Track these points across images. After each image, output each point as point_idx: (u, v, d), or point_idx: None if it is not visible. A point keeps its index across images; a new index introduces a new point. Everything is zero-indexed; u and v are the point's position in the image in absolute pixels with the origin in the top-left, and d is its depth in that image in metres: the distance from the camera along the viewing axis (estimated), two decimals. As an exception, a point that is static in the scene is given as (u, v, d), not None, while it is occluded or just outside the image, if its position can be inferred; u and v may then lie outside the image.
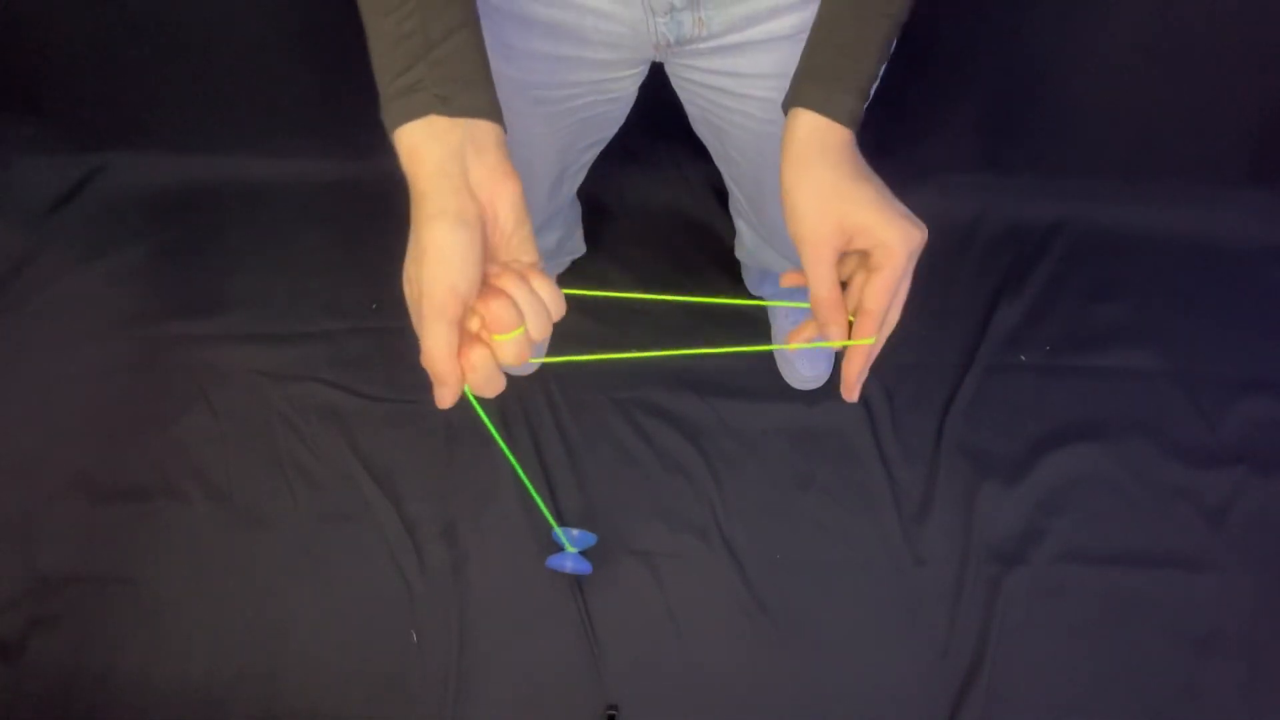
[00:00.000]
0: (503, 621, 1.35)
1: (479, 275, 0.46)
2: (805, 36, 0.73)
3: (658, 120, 0.96)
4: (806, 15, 0.70)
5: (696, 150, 1.02)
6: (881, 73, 0.56)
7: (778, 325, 1.49)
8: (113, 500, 1.42)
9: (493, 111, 0.49)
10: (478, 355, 0.47)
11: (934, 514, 1.40)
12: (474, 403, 0.51)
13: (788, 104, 0.55)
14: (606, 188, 1.60)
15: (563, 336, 1.52)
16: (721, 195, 1.50)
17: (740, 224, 1.25)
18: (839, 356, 1.54)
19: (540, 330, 0.48)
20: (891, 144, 1.20)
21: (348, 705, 1.31)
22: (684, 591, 1.36)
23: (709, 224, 1.60)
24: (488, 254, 0.48)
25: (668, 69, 0.83)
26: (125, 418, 1.48)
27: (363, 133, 1.69)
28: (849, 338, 0.55)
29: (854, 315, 0.55)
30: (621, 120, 0.92)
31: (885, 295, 0.53)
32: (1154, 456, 1.44)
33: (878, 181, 0.54)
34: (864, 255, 0.54)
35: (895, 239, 0.51)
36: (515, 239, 0.49)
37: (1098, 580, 1.37)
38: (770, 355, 1.50)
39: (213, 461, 1.44)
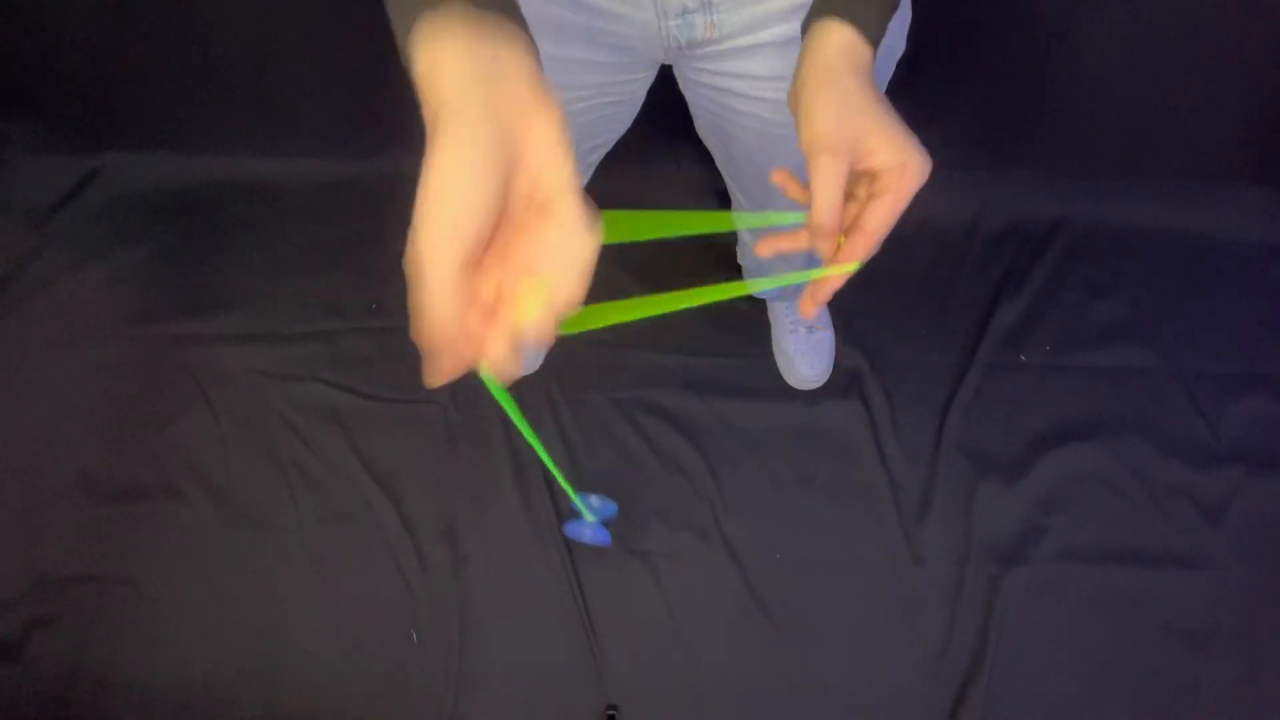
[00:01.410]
0: (503, 621, 1.35)
1: (489, 211, 0.35)
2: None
3: (658, 120, 0.96)
4: None
5: (696, 150, 1.02)
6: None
7: (778, 326, 1.49)
8: (113, 500, 1.42)
9: (526, 38, 0.40)
10: (494, 335, 0.37)
11: (934, 513, 1.40)
12: (491, 386, 0.41)
13: (813, 17, 0.54)
14: (606, 188, 1.59)
15: (564, 335, 1.52)
16: (722, 195, 1.50)
17: (742, 231, 1.25)
18: (839, 355, 1.54)
19: (571, 291, 0.37)
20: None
21: (348, 705, 1.31)
22: (684, 591, 1.36)
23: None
24: (507, 192, 0.36)
25: (676, 71, 0.83)
26: (125, 418, 1.48)
27: (363, 133, 1.70)
28: (834, 259, 0.53)
29: (844, 237, 0.53)
30: (629, 123, 0.92)
31: (889, 218, 0.51)
32: (1153, 455, 1.44)
33: (890, 106, 0.53)
34: (870, 178, 0.52)
35: (912, 163, 0.51)
36: (545, 176, 0.37)
37: (1097, 578, 1.37)
38: (770, 355, 1.50)
39: (213, 461, 1.45)
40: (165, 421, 1.48)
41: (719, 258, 1.56)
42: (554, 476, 1.42)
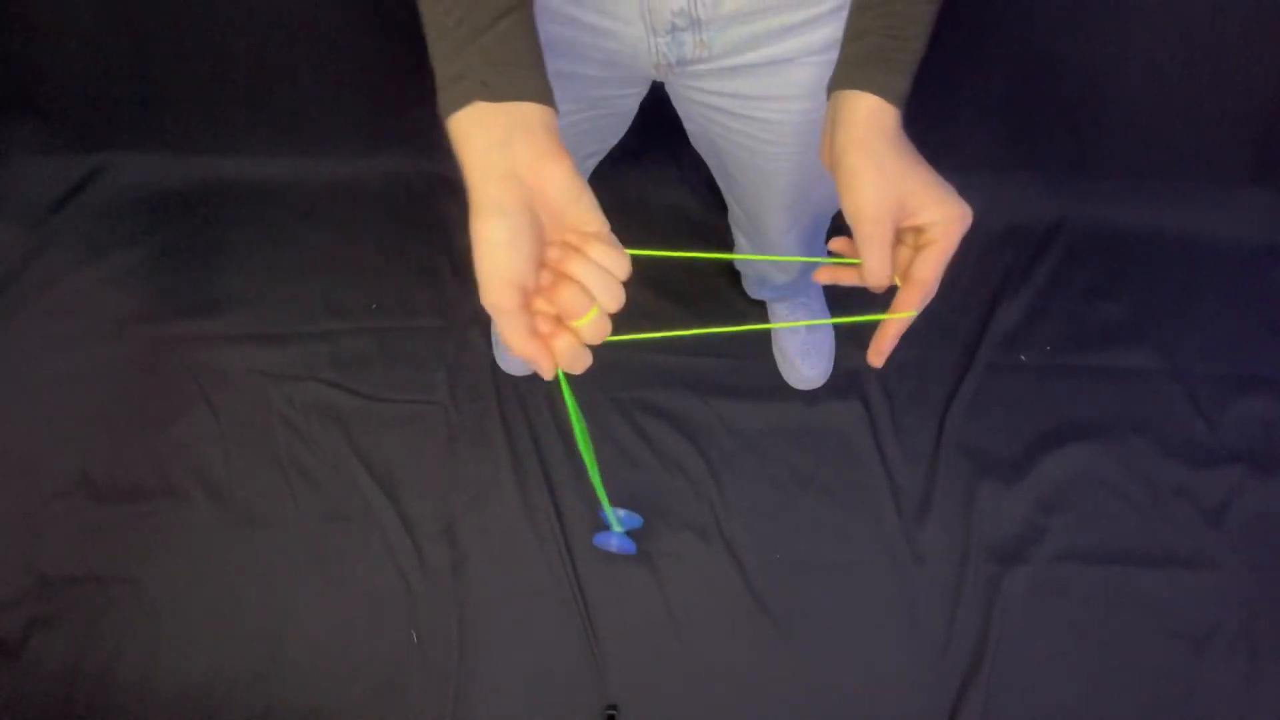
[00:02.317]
0: (503, 621, 1.35)
1: (530, 260, 0.46)
2: (810, 60, 0.72)
3: (658, 120, 0.96)
4: (812, 38, 0.70)
5: (697, 155, 1.02)
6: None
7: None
8: (113, 500, 1.42)
9: (540, 93, 0.49)
10: (563, 342, 0.49)
11: (934, 513, 1.40)
12: (564, 384, 0.55)
13: (838, 86, 0.57)
14: (606, 188, 1.59)
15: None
16: (721, 196, 1.50)
17: (739, 236, 1.25)
18: (839, 355, 1.54)
19: (612, 302, 0.49)
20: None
21: (348, 705, 1.31)
22: (684, 591, 1.36)
23: (709, 224, 1.60)
24: (543, 235, 0.48)
25: (668, 88, 0.83)
26: (125, 418, 1.48)
27: (363, 133, 1.70)
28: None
29: (898, 281, 0.57)
30: (622, 132, 0.92)
31: (938, 268, 0.55)
32: (1153, 456, 1.44)
33: (926, 163, 0.57)
34: (917, 232, 0.56)
35: (954, 216, 0.54)
36: (572, 214, 0.49)
37: (1097, 579, 1.37)
38: (770, 355, 1.50)
39: (213, 461, 1.45)
40: (165, 421, 1.48)
41: (720, 264, 1.56)
42: (552, 477, 1.43)
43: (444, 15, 0.48)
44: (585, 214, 0.49)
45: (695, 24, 0.68)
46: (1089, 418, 1.47)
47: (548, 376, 0.50)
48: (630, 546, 0.68)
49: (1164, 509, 1.41)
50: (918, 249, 0.56)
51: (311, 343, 1.53)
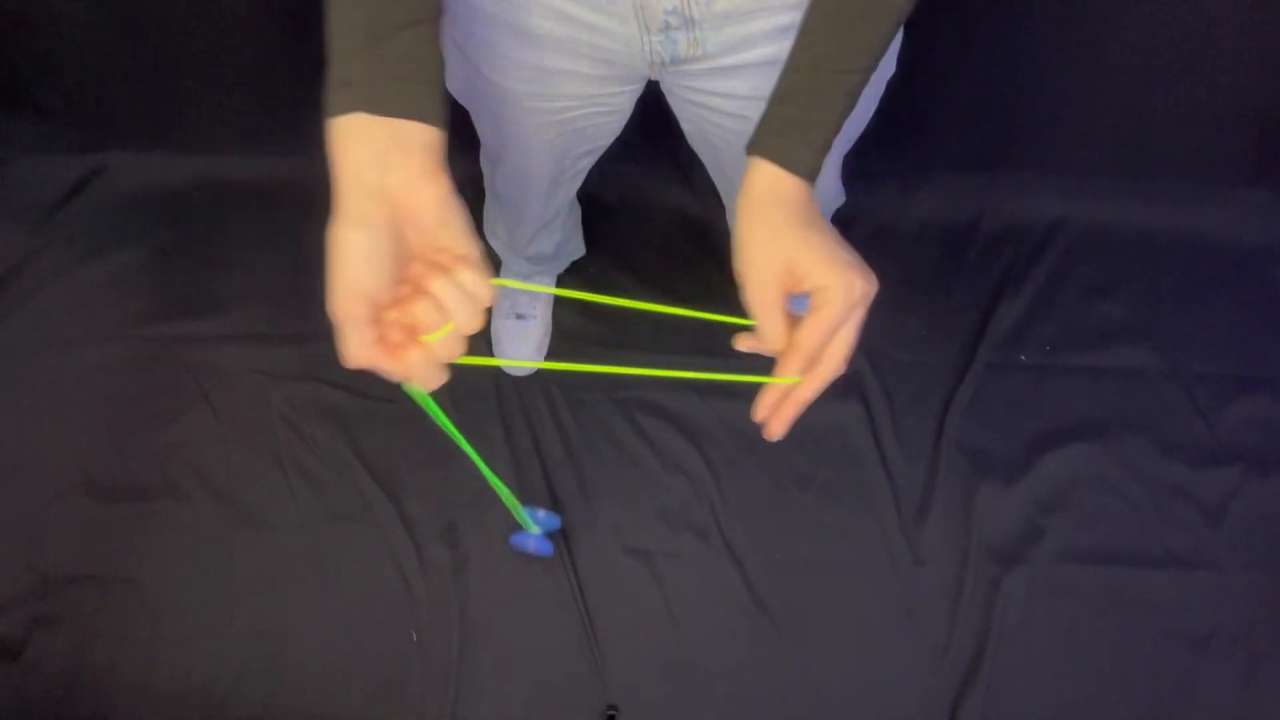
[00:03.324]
0: (503, 621, 1.35)
1: (385, 275, 0.46)
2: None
3: (658, 120, 0.96)
4: None
5: (693, 153, 1.02)
6: (844, 122, 0.58)
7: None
8: (114, 500, 1.42)
9: (428, 112, 0.47)
10: (413, 355, 0.48)
11: (934, 514, 1.40)
12: (422, 398, 0.54)
13: (749, 149, 0.57)
14: (606, 188, 1.60)
15: (564, 336, 1.53)
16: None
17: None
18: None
19: (469, 323, 0.48)
20: (892, 143, 1.20)
21: (348, 705, 1.31)
22: (684, 591, 1.36)
23: (709, 224, 1.60)
24: (408, 253, 0.47)
25: (663, 87, 0.83)
26: (125, 418, 1.48)
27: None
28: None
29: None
30: (619, 131, 0.92)
31: (814, 335, 0.54)
32: (1153, 455, 1.44)
33: (831, 232, 0.56)
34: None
35: (835, 284, 0.53)
36: (442, 236, 0.48)
37: (1097, 579, 1.37)
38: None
39: (213, 461, 1.45)
40: (166, 421, 1.48)
41: (718, 257, 1.56)
42: (552, 477, 1.43)
43: (347, 14, 0.47)
44: (455, 238, 0.48)
45: (688, 23, 0.68)
46: (1089, 418, 1.47)
47: (394, 379, 0.50)
48: (547, 548, 0.69)
49: (1164, 509, 1.41)
50: (808, 315, 0.55)
51: (311, 343, 1.53)
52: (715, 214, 1.61)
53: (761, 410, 0.58)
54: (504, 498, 0.66)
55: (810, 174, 0.56)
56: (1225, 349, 1.52)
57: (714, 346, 1.50)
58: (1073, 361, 1.51)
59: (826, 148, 0.57)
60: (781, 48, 0.70)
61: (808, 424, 1.49)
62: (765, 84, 0.74)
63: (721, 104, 0.79)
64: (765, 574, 1.37)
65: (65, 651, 1.34)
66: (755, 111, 0.78)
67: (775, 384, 0.56)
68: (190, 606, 1.36)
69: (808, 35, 0.57)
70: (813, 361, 0.55)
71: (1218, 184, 1.62)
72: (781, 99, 0.57)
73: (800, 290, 0.55)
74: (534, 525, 0.67)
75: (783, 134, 0.56)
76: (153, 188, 1.67)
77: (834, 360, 0.56)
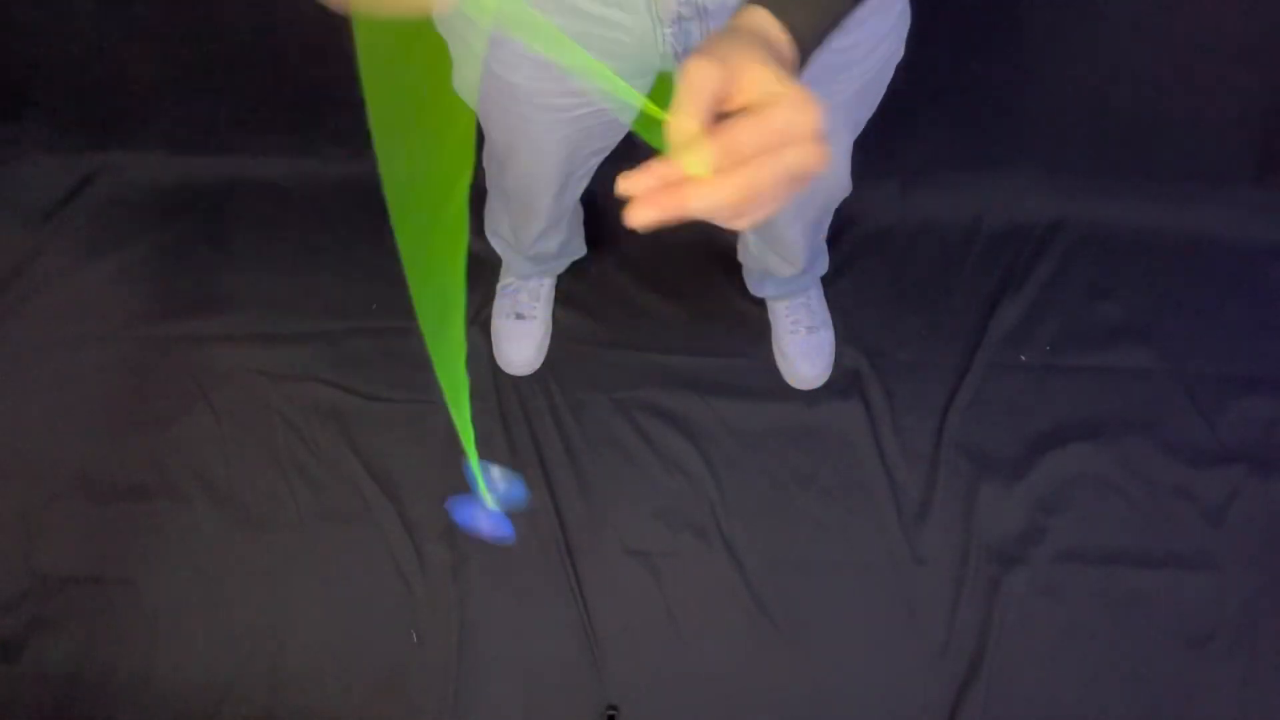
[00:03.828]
0: (503, 621, 1.35)
1: None
2: (817, 51, 0.71)
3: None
4: None
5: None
6: (839, 21, 0.51)
7: (778, 326, 1.49)
8: (113, 500, 1.42)
9: None
10: None
11: (934, 514, 1.40)
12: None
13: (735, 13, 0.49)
14: (607, 188, 1.59)
15: (564, 335, 1.52)
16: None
17: (746, 231, 1.25)
18: (839, 355, 1.54)
19: None
20: (891, 144, 1.20)
21: (348, 705, 1.31)
22: (684, 591, 1.36)
23: (709, 224, 1.60)
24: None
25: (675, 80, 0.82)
26: (125, 418, 1.48)
27: (363, 133, 1.69)
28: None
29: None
30: (628, 127, 0.92)
31: (750, 128, 0.41)
32: (1153, 456, 1.44)
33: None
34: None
35: (790, 94, 0.41)
36: None
37: (1097, 580, 1.37)
38: (770, 355, 1.50)
39: (213, 461, 1.44)
40: (165, 421, 1.48)
41: (718, 257, 1.56)
42: (552, 477, 1.42)
43: None
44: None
45: (701, 14, 0.68)
46: (1089, 418, 1.47)
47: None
48: (506, 531, 0.48)
49: (1164, 509, 1.41)
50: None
51: (311, 343, 1.53)
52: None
53: (640, 180, 0.41)
54: (466, 444, 0.48)
55: (801, 39, 0.47)
56: (1226, 349, 1.52)
57: (714, 346, 1.51)
58: (1073, 361, 1.51)
59: (821, 32, 0.49)
60: None
61: (808, 424, 1.50)
62: None
63: None
64: (765, 574, 1.37)
65: (65, 651, 1.34)
66: None
67: (671, 161, 0.41)
68: (190, 606, 1.36)
69: None
70: (732, 157, 0.40)
71: (1219, 184, 1.62)
72: None
73: (741, 100, 0.42)
74: (488, 493, 0.51)
75: None
76: (153, 188, 1.67)
77: (752, 176, 0.41)
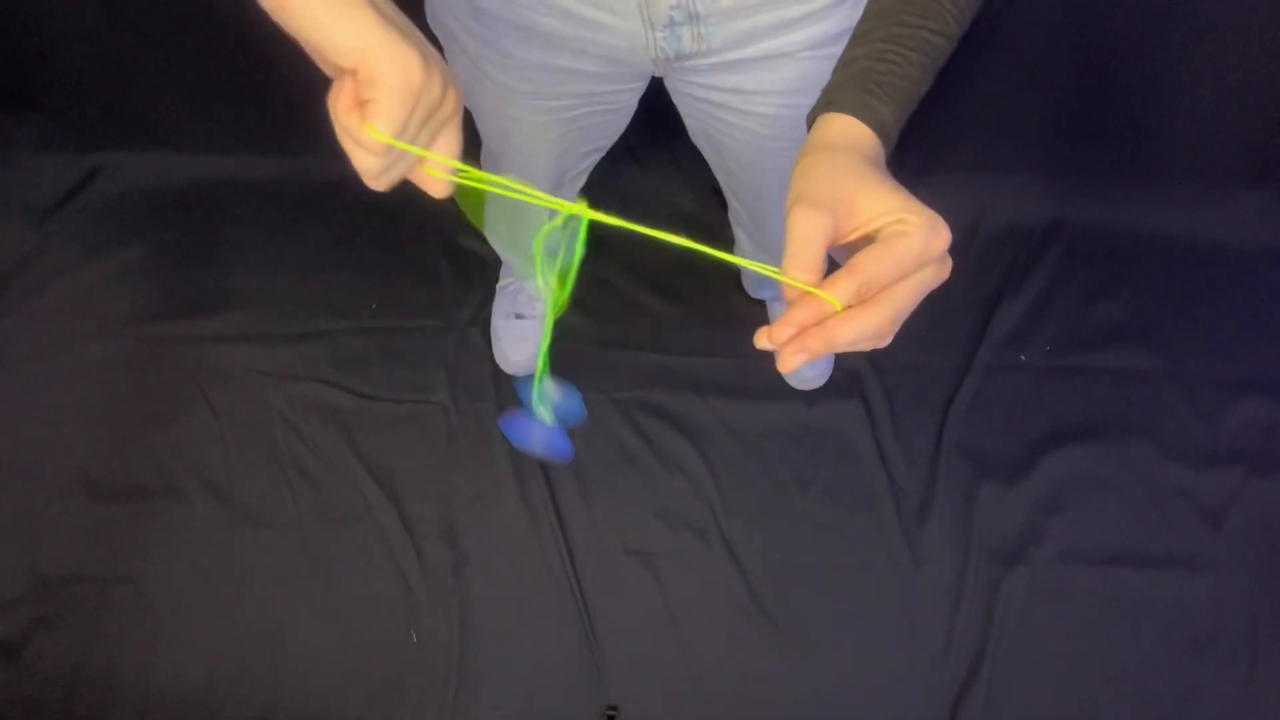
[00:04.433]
0: (503, 621, 1.35)
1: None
2: (808, 54, 0.71)
3: (658, 120, 0.96)
4: (811, 32, 0.70)
5: (697, 150, 1.02)
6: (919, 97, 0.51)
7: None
8: (113, 500, 1.42)
9: None
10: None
11: (934, 514, 1.40)
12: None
13: (814, 115, 0.50)
14: (606, 188, 1.59)
15: (564, 335, 1.52)
16: (720, 194, 1.50)
17: (739, 233, 1.25)
18: (839, 356, 1.54)
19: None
20: (892, 144, 1.20)
21: (347, 705, 1.31)
22: (684, 591, 1.36)
23: (709, 224, 1.60)
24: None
25: (667, 83, 0.82)
26: (125, 418, 1.48)
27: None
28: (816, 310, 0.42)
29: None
30: (622, 129, 0.92)
31: (881, 261, 0.41)
32: (1153, 457, 1.44)
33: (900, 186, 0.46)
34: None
35: (918, 221, 0.42)
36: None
37: (1097, 580, 1.37)
38: (771, 355, 1.50)
39: (213, 461, 1.44)
40: (165, 421, 1.48)
41: (721, 264, 1.55)
42: (552, 477, 1.42)
43: None
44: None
45: (693, 18, 0.68)
46: (1089, 418, 1.47)
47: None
48: (563, 447, 0.50)
49: (1164, 510, 1.41)
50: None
51: (311, 343, 1.53)
52: (715, 214, 1.61)
53: (781, 330, 0.42)
54: (541, 349, 0.52)
55: (885, 130, 0.47)
56: (1226, 350, 1.52)
57: (715, 346, 1.51)
58: (1073, 362, 1.51)
59: (902, 108, 0.48)
60: (788, 40, 0.70)
61: (808, 424, 1.50)
62: (769, 78, 0.74)
63: (725, 99, 0.78)
64: (765, 574, 1.37)
65: (65, 651, 1.34)
66: (758, 106, 0.78)
67: (809, 296, 0.41)
68: (190, 606, 1.36)
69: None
70: (869, 290, 0.41)
71: (1218, 185, 1.62)
72: (851, 61, 0.49)
73: (860, 230, 0.43)
74: (543, 405, 0.52)
75: (854, 88, 0.48)
76: (153, 188, 1.67)
77: (894, 303, 0.41)
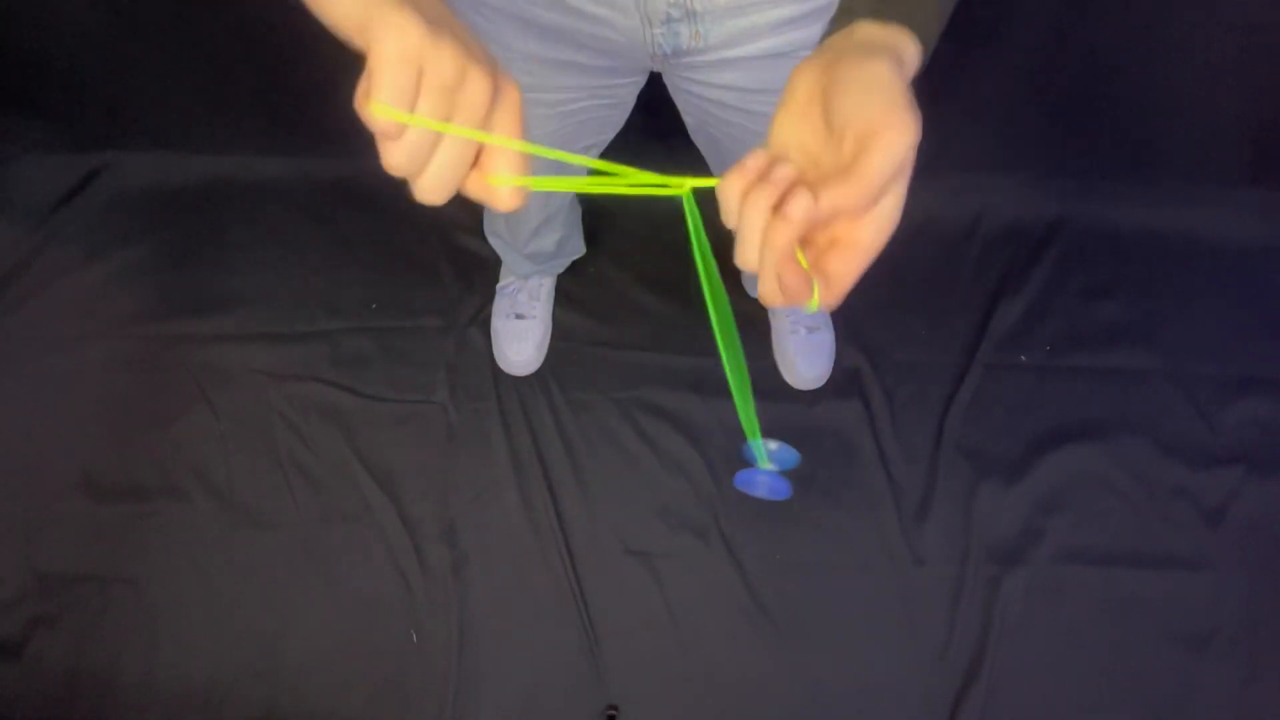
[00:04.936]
0: (503, 621, 1.35)
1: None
2: (807, 54, 0.71)
3: (656, 117, 0.96)
4: (810, 32, 0.70)
5: (694, 147, 1.02)
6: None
7: (778, 326, 1.50)
8: (114, 500, 1.42)
9: None
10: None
11: (934, 514, 1.40)
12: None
13: (839, 23, 0.46)
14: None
15: (564, 335, 1.53)
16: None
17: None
18: (839, 355, 1.55)
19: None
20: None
21: (348, 705, 1.31)
22: (684, 591, 1.36)
23: (709, 224, 1.60)
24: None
25: (666, 80, 0.83)
26: (125, 418, 1.48)
27: (362, 133, 1.69)
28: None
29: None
30: (621, 124, 0.92)
31: (877, 166, 0.40)
32: (1153, 456, 1.44)
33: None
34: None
35: (898, 123, 0.41)
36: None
37: (1096, 580, 1.37)
38: (770, 355, 1.50)
39: (213, 461, 1.45)
40: (166, 421, 1.48)
41: (718, 257, 1.56)
42: (552, 476, 1.42)
43: None
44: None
45: (690, 15, 0.68)
46: (1089, 418, 1.47)
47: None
48: (784, 489, 0.54)
49: (1163, 510, 1.41)
50: (862, 151, 0.41)
51: (311, 343, 1.53)
52: (715, 213, 1.61)
53: (734, 180, 0.43)
54: (743, 412, 0.51)
55: (925, 45, 0.44)
56: (1225, 350, 1.52)
57: (714, 346, 1.51)
58: (1073, 362, 1.51)
59: (937, 30, 0.45)
60: (785, 39, 0.71)
61: (808, 424, 1.50)
62: (767, 76, 0.74)
63: (723, 96, 0.79)
64: (765, 574, 1.37)
65: (65, 651, 1.34)
66: (757, 104, 0.78)
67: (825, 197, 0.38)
68: (190, 606, 1.36)
69: None
70: (877, 195, 0.40)
71: (1217, 184, 1.62)
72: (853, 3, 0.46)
73: (833, 120, 0.41)
74: (766, 459, 0.56)
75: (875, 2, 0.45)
76: (153, 188, 1.67)
77: (888, 215, 0.41)
